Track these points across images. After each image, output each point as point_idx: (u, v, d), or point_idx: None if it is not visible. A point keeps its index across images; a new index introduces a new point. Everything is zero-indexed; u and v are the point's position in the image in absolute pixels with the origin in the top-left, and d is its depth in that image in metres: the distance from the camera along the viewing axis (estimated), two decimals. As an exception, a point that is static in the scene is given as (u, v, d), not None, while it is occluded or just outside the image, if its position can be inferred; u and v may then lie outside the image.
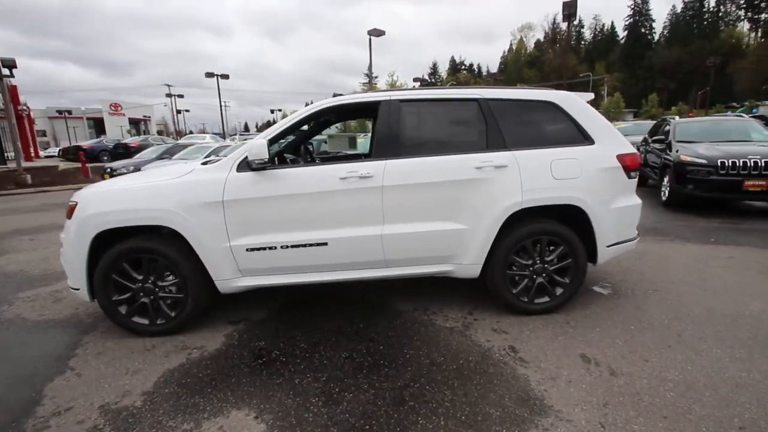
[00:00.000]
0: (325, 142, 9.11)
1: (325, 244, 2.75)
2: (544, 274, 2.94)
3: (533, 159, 2.79)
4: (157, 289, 2.81)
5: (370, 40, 22.01)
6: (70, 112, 53.83)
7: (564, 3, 15.90)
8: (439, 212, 2.78)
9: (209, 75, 33.82)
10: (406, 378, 2.28)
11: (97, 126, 54.08)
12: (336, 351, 2.59)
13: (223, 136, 33.81)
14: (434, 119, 2.92)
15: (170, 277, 2.82)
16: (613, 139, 2.96)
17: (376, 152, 2.82)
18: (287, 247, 2.74)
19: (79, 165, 16.95)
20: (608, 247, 2.98)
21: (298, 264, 2.81)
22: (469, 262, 2.86)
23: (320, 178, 2.72)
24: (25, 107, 27.43)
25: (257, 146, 2.55)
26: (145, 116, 59.46)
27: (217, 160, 2.84)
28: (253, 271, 2.82)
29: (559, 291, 2.97)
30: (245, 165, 2.69)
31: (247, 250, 2.73)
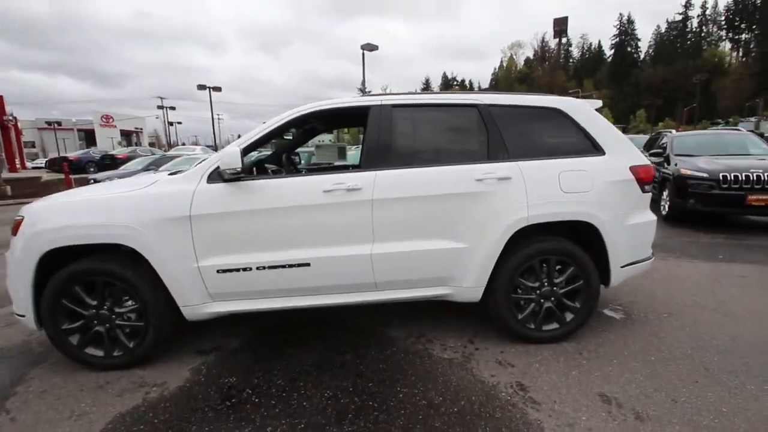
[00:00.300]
0: (314, 154, 8.85)
1: (308, 264, 2.43)
2: (552, 298, 2.64)
3: (540, 170, 2.53)
4: (113, 317, 2.46)
5: (363, 54, 22.04)
6: (59, 124, 53.28)
7: (555, 20, 16.09)
8: (436, 229, 2.49)
9: (201, 87, 33.65)
10: (398, 425, 1.94)
11: (88, 138, 53.50)
12: (318, 389, 2.24)
13: (215, 148, 33.45)
14: (430, 126, 2.65)
15: (129, 303, 2.47)
16: (625, 149, 2.71)
17: (365, 162, 2.53)
18: (264, 268, 2.41)
19: (63, 176, 16.44)
20: (622, 267, 2.70)
21: (277, 287, 2.48)
22: (469, 285, 2.56)
23: (302, 190, 2.42)
24: (10, 117, 26.87)
25: (229, 154, 2.25)
26: (137, 128, 59.03)
27: (185, 171, 2.53)
28: (225, 296, 2.48)
29: (569, 317, 2.67)
30: (217, 175, 2.38)
31: (217, 271, 2.40)
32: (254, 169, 3.01)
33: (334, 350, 2.67)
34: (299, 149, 7.77)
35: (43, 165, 32.09)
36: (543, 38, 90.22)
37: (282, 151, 3.67)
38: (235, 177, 2.33)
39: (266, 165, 3.33)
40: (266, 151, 5.83)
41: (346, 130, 26.27)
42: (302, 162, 8.01)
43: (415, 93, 2.69)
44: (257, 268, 2.40)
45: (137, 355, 2.50)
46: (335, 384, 2.29)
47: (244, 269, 2.40)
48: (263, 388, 2.26)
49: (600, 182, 2.56)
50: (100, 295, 2.43)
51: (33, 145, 53.92)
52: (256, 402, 2.14)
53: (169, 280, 2.37)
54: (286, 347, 2.73)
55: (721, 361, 2.44)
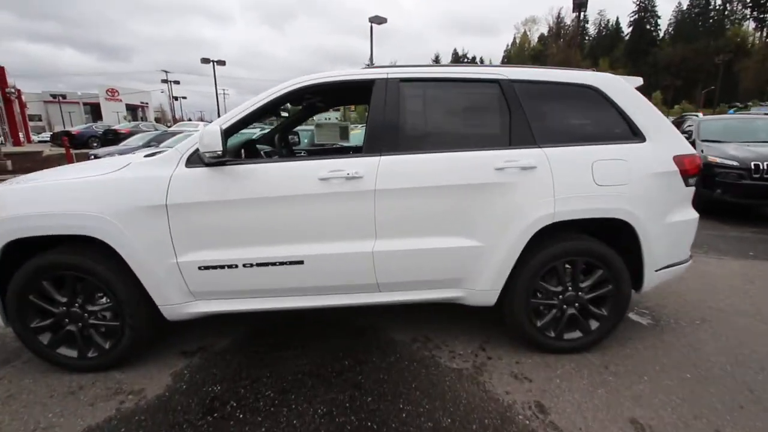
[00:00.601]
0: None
1: (301, 262, 2.14)
2: (576, 304, 2.34)
3: (570, 159, 2.18)
4: (86, 315, 2.21)
5: (371, 27, 21.18)
6: (64, 97, 53.06)
7: (575, -8, 15.14)
8: (447, 225, 2.18)
9: (205, 61, 32.84)
10: (400, 454, 1.69)
11: (94, 111, 53.28)
12: (311, 404, 1.99)
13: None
14: (443, 105, 2.30)
15: (103, 300, 2.22)
16: (669, 135, 2.35)
17: (368, 146, 2.20)
18: (252, 265, 2.13)
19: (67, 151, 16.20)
20: (657, 271, 2.39)
21: (267, 286, 2.21)
22: (483, 288, 2.27)
23: (294, 177, 2.10)
24: (12, 90, 26.51)
25: (209, 134, 1.93)
26: (142, 102, 58.51)
27: (162, 152, 2.22)
28: (209, 294, 2.22)
29: (594, 325, 2.38)
30: (197, 158, 2.07)
31: (199, 268, 2.12)
32: (242, 150, 2.69)
33: (332, 355, 2.42)
34: (302, 128, 7.36)
35: (48, 139, 31.88)
36: (559, 14, 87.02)
37: (279, 130, 3.33)
38: (216, 161, 2.02)
39: (259, 146, 3.01)
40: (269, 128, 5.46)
41: (352, 107, 25.59)
42: (305, 142, 7.58)
43: (427, 65, 2.32)
44: (244, 266, 2.13)
45: (114, 356, 2.27)
46: (330, 397, 2.04)
47: (230, 266, 2.12)
48: (250, 401, 2.02)
49: (639, 174, 2.22)
50: (71, 291, 2.18)
51: (39, 119, 53.89)
52: (240, 418, 1.90)
53: (144, 276, 2.10)
54: (280, 350, 2.49)
55: (766, 381, 2.15)
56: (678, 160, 2.30)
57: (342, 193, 2.09)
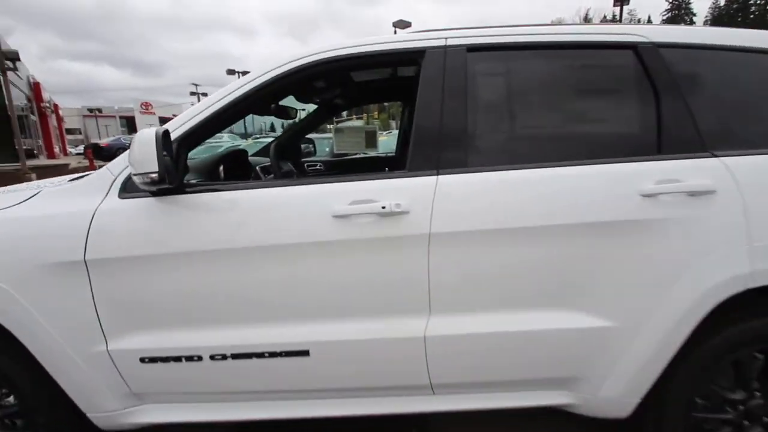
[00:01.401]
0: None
1: (305, 353, 1.30)
2: (765, 418, 1.39)
3: (773, 176, 1.25)
4: (-17, 421, 1.45)
5: (395, 32, 20.58)
6: (100, 111, 55.74)
7: (617, -16, 13.98)
8: (552, 292, 1.28)
9: (230, 72, 33.21)
10: None
11: (129, 124, 55.48)
12: None
13: (245, 136, 32.89)
14: (541, 87, 1.42)
15: (11, 399, 1.45)
16: None
17: (414, 159, 1.33)
18: (225, 357, 1.30)
19: (99, 162, 16.26)
20: None
21: (250, 388, 1.37)
22: (611, 394, 1.34)
23: (294, 213, 1.27)
24: (48, 104, 27.33)
25: (140, 145, 1.12)
26: (174, 115, 60.00)
27: (88, 175, 1.42)
28: (162, 396, 1.41)
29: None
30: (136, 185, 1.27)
31: (142, 360, 1.31)
32: (221, 168, 1.85)
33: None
34: (319, 136, 6.49)
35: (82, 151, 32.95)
36: (586, 14, 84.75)
37: (284, 138, 2.51)
38: (157, 188, 1.20)
39: (254, 158, 2.18)
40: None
41: (376, 113, 24.22)
42: (326, 150, 6.64)
43: (510, 26, 1.44)
44: (212, 358, 1.30)
45: (28, 479, 1.49)
46: None
47: (189, 358, 1.30)
48: None
49: None
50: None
51: (79, 132, 56.76)
52: None
53: (57, 371, 1.32)
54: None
55: None
56: None
57: (373, 241, 1.23)
